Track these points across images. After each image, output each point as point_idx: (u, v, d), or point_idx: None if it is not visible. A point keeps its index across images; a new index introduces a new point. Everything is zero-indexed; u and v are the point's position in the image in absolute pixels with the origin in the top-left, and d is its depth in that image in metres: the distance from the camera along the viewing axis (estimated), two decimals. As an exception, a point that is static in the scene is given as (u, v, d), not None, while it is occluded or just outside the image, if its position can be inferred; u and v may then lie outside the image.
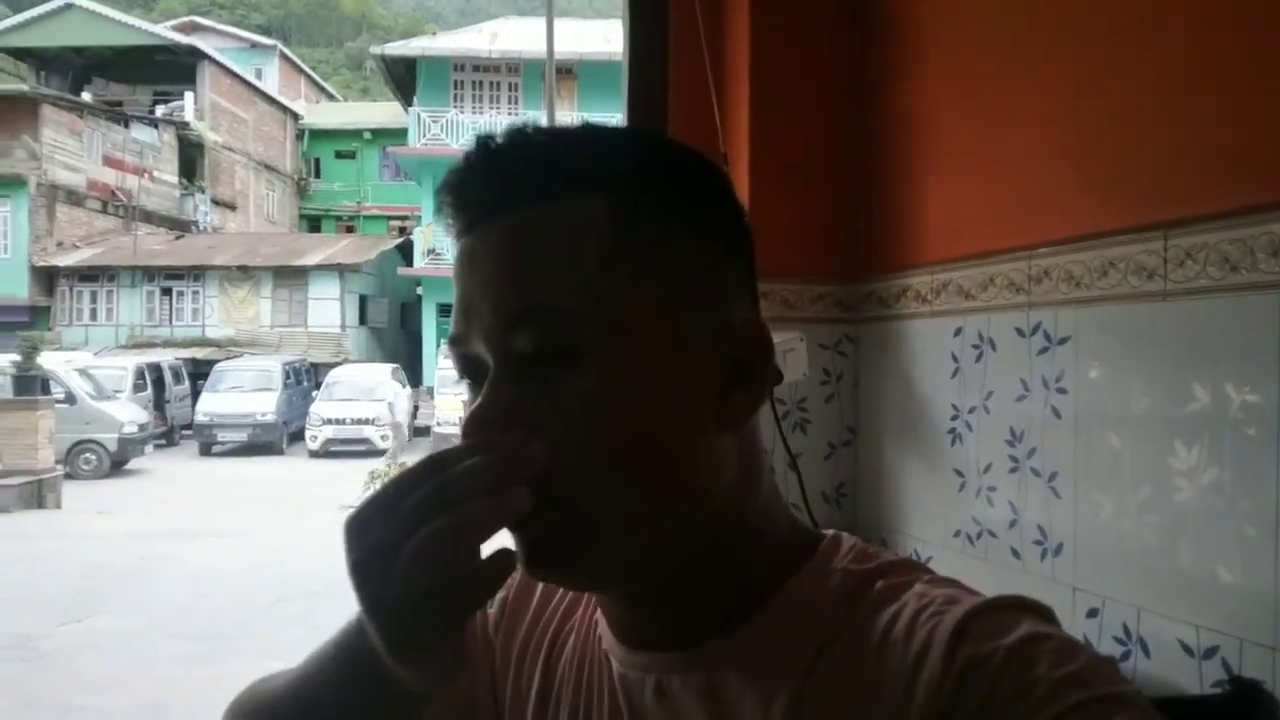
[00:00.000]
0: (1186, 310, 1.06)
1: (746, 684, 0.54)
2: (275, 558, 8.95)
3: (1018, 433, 1.31)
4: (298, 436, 16.98)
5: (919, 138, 1.55)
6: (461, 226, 0.57)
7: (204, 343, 21.63)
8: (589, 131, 0.58)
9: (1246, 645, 0.99)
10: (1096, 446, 1.18)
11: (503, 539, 0.53)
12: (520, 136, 0.55)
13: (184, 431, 18.12)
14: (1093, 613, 1.18)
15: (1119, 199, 1.15)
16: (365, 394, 16.26)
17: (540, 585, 0.69)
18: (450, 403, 14.88)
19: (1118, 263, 1.14)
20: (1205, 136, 1.04)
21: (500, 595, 0.70)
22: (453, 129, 21.82)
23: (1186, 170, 1.07)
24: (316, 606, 7.45)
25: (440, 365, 17.15)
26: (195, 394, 18.03)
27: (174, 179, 26.02)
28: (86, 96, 25.21)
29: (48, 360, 13.83)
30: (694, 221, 0.56)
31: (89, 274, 22.20)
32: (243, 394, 17.08)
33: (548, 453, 0.51)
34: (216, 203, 27.20)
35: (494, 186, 0.55)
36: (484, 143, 0.56)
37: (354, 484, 10.26)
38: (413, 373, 20.21)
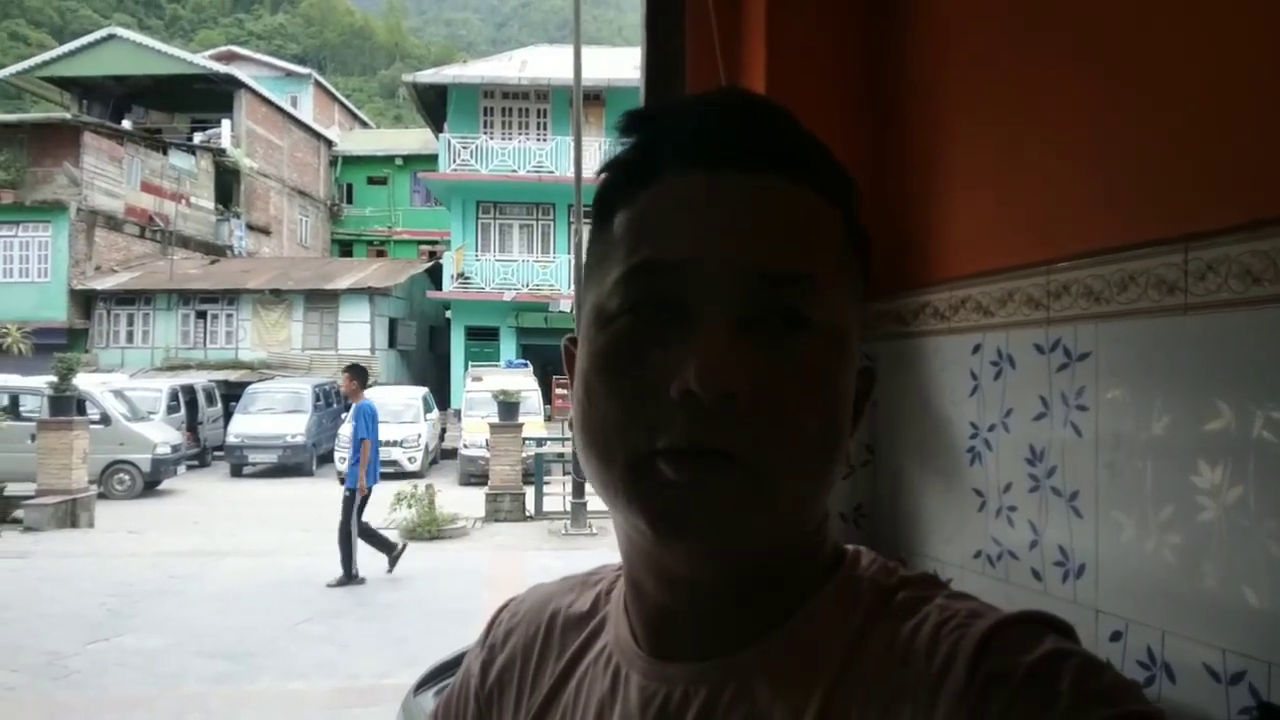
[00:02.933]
0: (1208, 324, 1.03)
1: (776, 695, 0.53)
2: (302, 577, 9.01)
3: (1038, 451, 1.29)
4: (327, 458, 17.11)
5: (936, 153, 1.54)
6: (695, 159, 0.54)
7: (236, 365, 21.92)
8: (823, 143, 0.59)
9: (1275, 670, 0.95)
10: (1118, 465, 1.15)
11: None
12: (783, 114, 0.57)
13: (216, 453, 18.35)
14: (1116, 636, 1.15)
15: (1138, 212, 1.13)
16: (394, 416, 16.38)
17: (536, 633, 0.69)
18: (477, 425, 14.94)
19: (1138, 277, 1.12)
20: (1225, 148, 1.03)
21: (481, 658, 0.71)
22: (482, 155, 22.07)
23: (1206, 182, 1.05)
24: (341, 627, 7.49)
25: (469, 389, 17.26)
26: (227, 415, 18.25)
27: (210, 204, 26.50)
28: (126, 124, 25.79)
29: (84, 382, 14.06)
30: (866, 265, 0.60)
31: (126, 298, 22.61)
32: (274, 416, 17.27)
33: (765, 418, 0.51)
34: (251, 228, 27.64)
35: (760, 141, 0.55)
36: (744, 95, 0.57)
37: (381, 506, 10.30)
38: (441, 396, 20.34)
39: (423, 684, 1.62)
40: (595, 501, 10.63)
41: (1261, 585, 0.97)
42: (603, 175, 0.58)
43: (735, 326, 0.51)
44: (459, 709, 0.71)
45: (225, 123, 27.08)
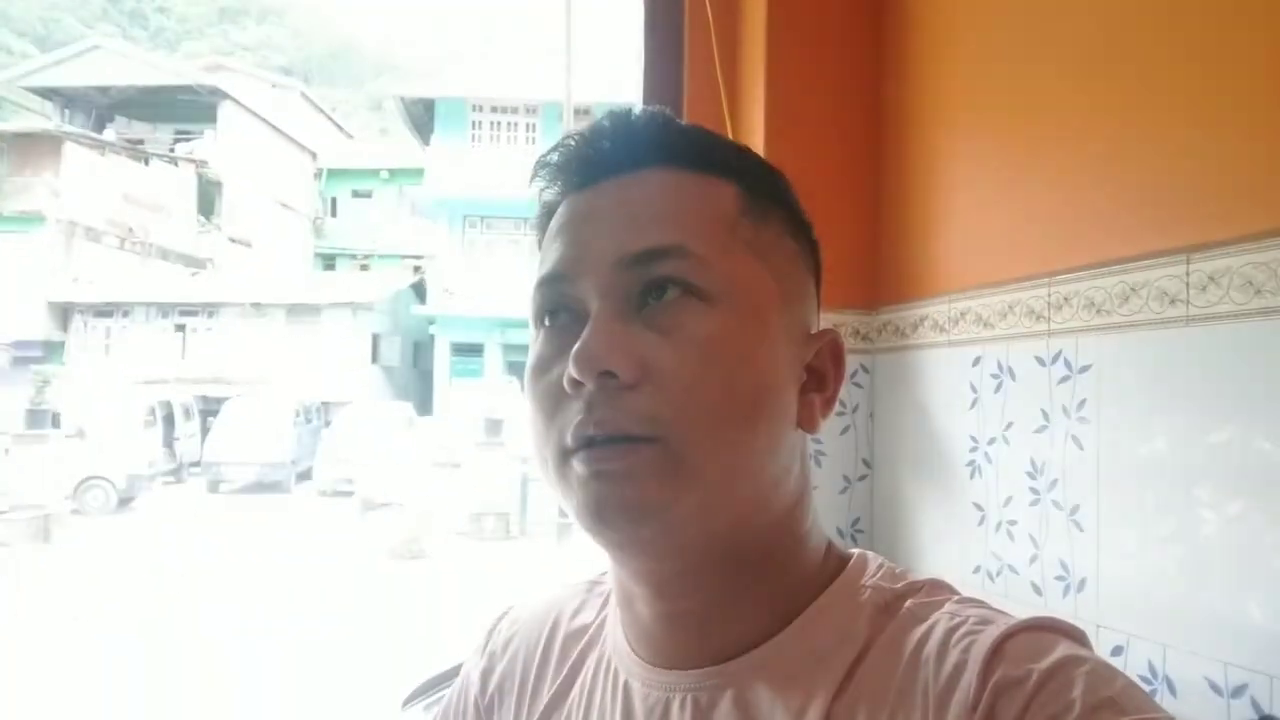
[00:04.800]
0: (1210, 336, 1.04)
1: (776, 700, 0.53)
2: (276, 596, 8.89)
3: (1038, 464, 1.29)
4: (306, 475, 16.95)
5: (936, 165, 1.55)
6: (580, 181, 0.59)
7: (216, 380, 21.72)
8: (709, 130, 0.62)
9: (1276, 683, 0.95)
10: (1119, 478, 1.16)
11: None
12: (658, 115, 0.59)
13: (192, 468, 18.13)
14: (1117, 650, 1.14)
15: (1140, 223, 1.14)
16: (375, 434, 16.24)
17: (537, 641, 0.68)
18: (460, 442, 14.85)
19: (1139, 288, 1.13)
20: (1226, 159, 1.03)
21: (480, 666, 0.71)
22: (470, 169, 22.05)
23: (1208, 193, 1.05)
24: (314, 644, 7.40)
25: (452, 405, 17.16)
26: (205, 431, 18.06)
27: (191, 216, 26.34)
28: (110, 134, 25.64)
29: (60, 395, 13.89)
30: (797, 231, 0.61)
31: (104, 310, 22.38)
32: (252, 432, 17.07)
33: (657, 390, 0.51)
34: (233, 240, 27.49)
35: (629, 147, 0.58)
36: (620, 113, 0.59)
37: (361, 524, 10.21)
38: (424, 412, 20.21)
39: (412, 698, 1.59)
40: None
41: (1263, 598, 0.97)
42: (534, 227, 0.64)
43: (618, 312, 0.53)
44: (458, 718, 0.70)
45: (208, 134, 26.98)
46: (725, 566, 0.55)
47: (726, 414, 0.52)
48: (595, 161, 0.58)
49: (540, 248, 0.62)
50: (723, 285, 0.54)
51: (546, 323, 0.57)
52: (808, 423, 0.58)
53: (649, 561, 0.55)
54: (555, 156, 0.61)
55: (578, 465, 0.52)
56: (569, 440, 0.52)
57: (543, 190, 0.62)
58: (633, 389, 0.51)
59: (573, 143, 0.60)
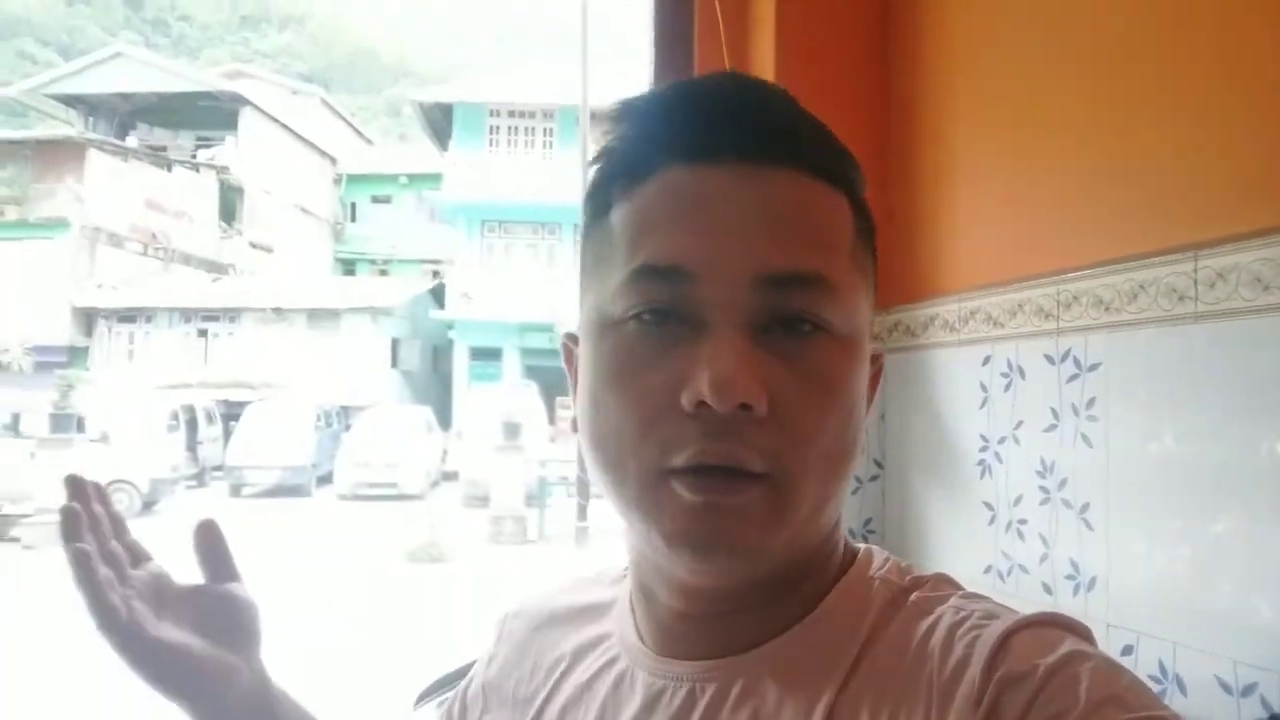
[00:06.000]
0: (1219, 332, 1.03)
1: (785, 692, 0.53)
2: (298, 600, 8.94)
3: (1048, 463, 1.28)
4: (327, 479, 17.03)
5: (945, 164, 1.55)
6: (697, 152, 0.52)
7: (237, 384, 21.86)
8: (826, 126, 0.57)
9: (1288, 682, 0.95)
10: (1129, 476, 1.15)
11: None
12: (786, 99, 0.55)
13: (214, 472, 18.26)
14: (1127, 649, 1.14)
15: (1148, 221, 1.14)
16: (395, 437, 16.29)
17: (537, 629, 0.69)
18: (479, 446, 14.87)
19: (1148, 286, 1.12)
20: (1234, 156, 1.03)
21: (489, 651, 0.71)
22: (488, 174, 22.12)
23: (1215, 190, 1.05)
24: (331, 645, 7.43)
25: (471, 409, 17.20)
26: (227, 435, 18.19)
27: (213, 222, 26.56)
28: (132, 141, 25.90)
29: (84, 399, 14.04)
30: (875, 253, 0.58)
31: (127, 315, 22.60)
32: (273, 436, 17.18)
33: (780, 428, 0.49)
34: (254, 246, 27.69)
35: (762, 130, 0.52)
36: (743, 80, 0.54)
37: (380, 527, 10.25)
38: (443, 416, 20.29)
39: (424, 696, 1.61)
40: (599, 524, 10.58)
41: (1273, 597, 0.97)
42: (595, 167, 0.56)
43: (747, 333, 0.49)
44: (469, 699, 0.72)
45: (230, 140, 27.21)
46: (770, 582, 0.55)
47: (835, 456, 0.52)
48: (715, 134, 0.51)
49: (609, 202, 0.54)
50: (847, 321, 0.52)
51: (647, 318, 0.51)
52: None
53: (707, 583, 0.54)
54: (655, 107, 0.54)
55: (682, 490, 0.49)
56: (676, 462, 0.49)
57: (627, 138, 0.55)
58: (758, 422, 0.48)
59: (678, 97, 0.54)
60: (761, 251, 0.50)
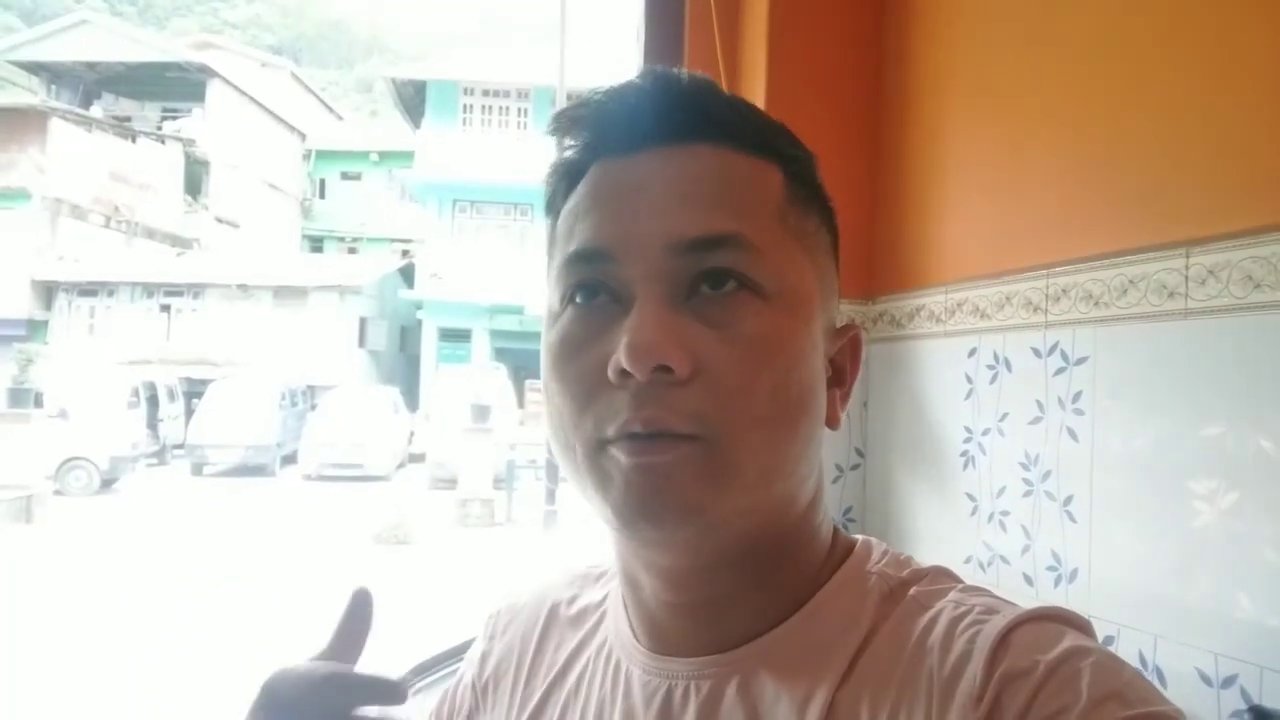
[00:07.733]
0: (1208, 329, 1.04)
1: (781, 687, 0.52)
2: (262, 581, 8.87)
3: (1032, 456, 1.29)
4: (291, 459, 16.87)
5: (935, 154, 1.55)
6: (618, 146, 0.55)
7: (201, 361, 21.57)
8: (755, 106, 0.59)
9: (1266, 674, 0.96)
10: (1113, 470, 1.16)
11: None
12: (704, 82, 0.56)
13: (176, 451, 18.01)
14: (1108, 641, 1.15)
15: (1139, 216, 1.14)
16: (361, 418, 16.17)
17: (533, 625, 0.68)
18: (447, 428, 14.81)
19: (1138, 281, 1.13)
20: (1227, 153, 1.04)
21: (480, 649, 0.71)
22: (460, 153, 21.93)
23: (1208, 187, 1.06)
24: (296, 629, 7.39)
25: (439, 391, 17.11)
26: (189, 413, 17.94)
27: (178, 196, 26.13)
28: (96, 110, 25.38)
29: (42, 374, 13.79)
30: (828, 221, 0.59)
31: (88, 289, 22.20)
32: (237, 414, 16.96)
33: (707, 388, 0.50)
34: (220, 221, 27.28)
35: (675, 115, 0.54)
36: (662, 74, 0.56)
37: (346, 509, 10.18)
38: (410, 397, 20.17)
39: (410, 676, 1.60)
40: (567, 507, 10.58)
41: (1254, 590, 0.98)
42: (546, 183, 0.59)
43: (668, 299, 0.51)
44: (458, 699, 0.71)
45: (196, 112, 26.74)
46: (744, 561, 0.54)
47: (772, 416, 0.51)
48: (636, 126, 0.54)
49: (557, 208, 0.58)
50: (776, 280, 0.52)
51: (579, 300, 0.54)
52: (831, 419, 0.57)
53: (674, 559, 0.54)
54: (585, 112, 0.56)
55: (619, 454, 0.50)
56: (609, 432, 0.50)
57: (566, 147, 0.58)
58: (683, 385, 0.49)
59: (605, 100, 0.56)
60: (675, 221, 0.52)
